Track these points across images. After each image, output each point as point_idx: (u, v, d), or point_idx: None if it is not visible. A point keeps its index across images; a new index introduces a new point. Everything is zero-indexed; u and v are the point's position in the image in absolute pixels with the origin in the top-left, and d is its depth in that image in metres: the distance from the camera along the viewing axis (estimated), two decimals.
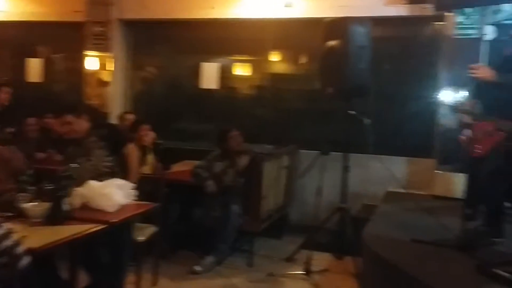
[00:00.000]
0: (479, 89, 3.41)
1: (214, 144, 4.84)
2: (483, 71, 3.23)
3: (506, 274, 2.67)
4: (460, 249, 3.17)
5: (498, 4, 4.79)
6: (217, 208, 4.40)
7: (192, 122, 6.43)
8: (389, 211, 4.41)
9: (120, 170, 3.38)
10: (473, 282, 2.73)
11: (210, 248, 4.34)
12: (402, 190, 5.08)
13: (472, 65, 3.29)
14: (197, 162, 4.73)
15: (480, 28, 4.78)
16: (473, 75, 3.25)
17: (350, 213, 4.65)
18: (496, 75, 3.19)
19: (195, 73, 6.12)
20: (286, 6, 5.63)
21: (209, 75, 6.09)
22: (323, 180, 4.59)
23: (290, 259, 4.51)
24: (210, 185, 4.45)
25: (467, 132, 3.45)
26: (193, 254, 4.41)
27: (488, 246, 3.23)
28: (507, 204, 3.46)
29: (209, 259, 4.27)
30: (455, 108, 3.90)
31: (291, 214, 5.49)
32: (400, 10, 5.26)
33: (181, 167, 5.04)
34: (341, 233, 4.55)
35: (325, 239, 4.65)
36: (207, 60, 6.14)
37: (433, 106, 5.22)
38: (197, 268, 4.17)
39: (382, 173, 5.26)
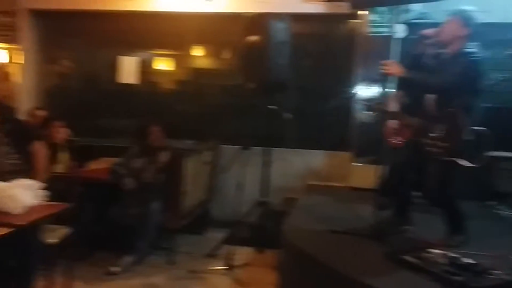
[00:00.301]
0: (401, 84, 3.57)
1: (134, 140, 4.71)
2: (394, 68, 3.38)
3: (413, 260, 2.83)
4: (372, 237, 3.32)
5: (409, 3, 5.03)
6: (136, 205, 4.28)
7: (110, 118, 6.19)
8: (308, 204, 4.51)
9: (27, 169, 3.18)
10: (383, 268, 2.86)
11: (130, 247, 4.21)
12: (321, 183, 5.23)
13: (384, 62, 3.44)
14: (115, 159, 4.58)
15: (391, 27, 5.00)
16: (384, 71, 3.40)
17: (271, 207, 4.71)
18: (406, 72, 3.35)
19: (113, 67, 5.91)
20: (206, 0, 5.57)
21: (128, 69, 5.90)
22: (244, 175, 4.62)
23: (211, 255, 4.49)
24: (129, 183, 4.32)
25: (391, 123, 3.58)
26: (112, 255, 4.24)
27: (398, 234, 3.40)
28: (415, 193, 3.65)
29: (127, 259, 4.14)
30: (370, 105, 4.03)
31: (213, 209, 5.45)
32: (318, 8, 5.39)
33: (98, 165, 4.87)
34: (262, 227, 4.60)
35: (246, 233, 4.68)
36: (125, 54, 5.94)
37: (350, 101, 5.40)
38: (114, 268, 4.04)
39: (302, 167, 5.40)
